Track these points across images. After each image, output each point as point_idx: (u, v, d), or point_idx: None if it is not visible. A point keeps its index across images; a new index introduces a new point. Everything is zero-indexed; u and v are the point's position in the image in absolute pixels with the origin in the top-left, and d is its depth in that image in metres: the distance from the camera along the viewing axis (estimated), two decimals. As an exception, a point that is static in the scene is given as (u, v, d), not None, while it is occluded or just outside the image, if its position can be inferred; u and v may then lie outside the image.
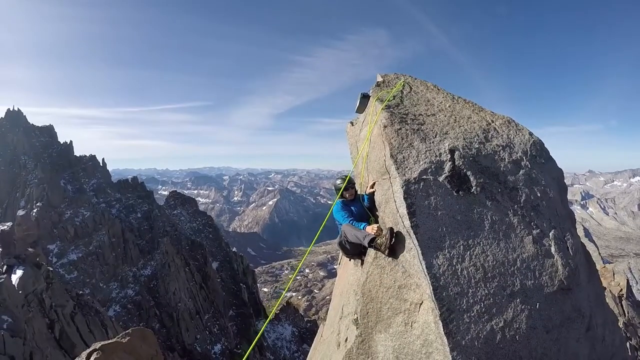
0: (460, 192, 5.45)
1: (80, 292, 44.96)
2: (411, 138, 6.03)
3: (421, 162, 5.65)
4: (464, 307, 4.58)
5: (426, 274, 4.69)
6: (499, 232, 5.25)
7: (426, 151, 5.83)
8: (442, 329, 4.41)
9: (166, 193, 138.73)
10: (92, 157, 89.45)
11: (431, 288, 4.60)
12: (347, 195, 6.60)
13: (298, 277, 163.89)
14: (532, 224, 5.55)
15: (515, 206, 5.62)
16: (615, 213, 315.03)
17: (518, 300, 4.82)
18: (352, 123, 8.59)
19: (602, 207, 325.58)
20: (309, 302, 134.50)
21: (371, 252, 5.65)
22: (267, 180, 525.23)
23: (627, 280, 40.56)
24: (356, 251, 6.18)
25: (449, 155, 5.80)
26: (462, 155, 5.86)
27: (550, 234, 5.58)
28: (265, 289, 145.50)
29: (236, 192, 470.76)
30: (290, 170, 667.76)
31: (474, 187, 5.54)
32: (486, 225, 5.24)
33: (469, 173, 5.68)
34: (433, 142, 6.04)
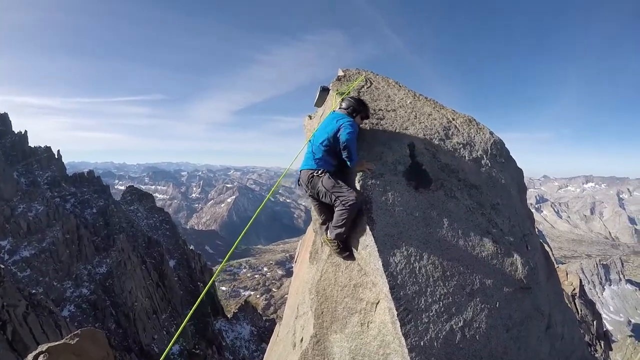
0: (419, 189, 5.29)
1: (33, 291, 43.55)
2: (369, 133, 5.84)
3: (380, 157, 5.48)
4: (422, 306, 4.45)
5: (382, 272, 4.52)
6: (458, 230, 5.12)
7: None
8: (399, 330, 4.28)
9: (123, 188, 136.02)
10: (48, 149, 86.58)
11: (388, 287, 4.44)
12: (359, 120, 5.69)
13: (256, 276, 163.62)
14: (492, 222, 5.47)
15: (475, 204, 5.52)
16: (569, 216, 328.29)
17: (478, 299, 4.73)
18: (310, 117, 8.39)
19: (556, 210, 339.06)
20: (268, 301, 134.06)
21: (326, 249, 5.49)
22: (226, 177, 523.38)
23: (580, 280, 41.95)
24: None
25: (408, 151, 5.65)
26: (422, 151, 5.72)
27: (509, 233, 5.52)
28: (224, 288, 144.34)
29: (194, 189, 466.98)
30: (250, 167, 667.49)
31: (433, 184, 5.40)
32: (445, 223, 5.09)
33: (428, 170, 5.54)
34: (392, 137, 5.87)
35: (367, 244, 4.80)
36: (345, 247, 5.20)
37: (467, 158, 6.04)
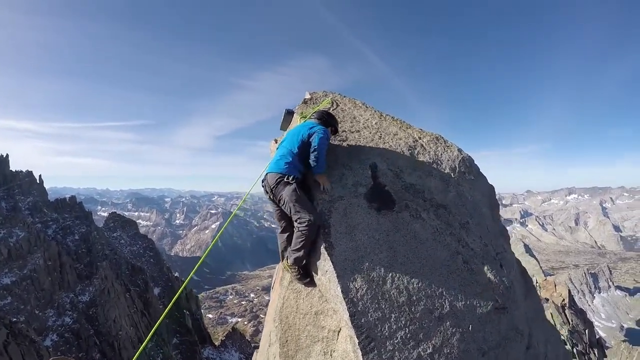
0: (381, 211, 5.09)
1: (14, 319, 42.85)
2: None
3: (340, 180, 5.32)
4: (387, 333, 4.20)
5: (342, 298, 4.31)
6: (425, 252, 4.91)
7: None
8: (361, 359, 4.04)
9: (106, 214, 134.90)
10: (29, 173, 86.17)
11: (348, 314, 4.21)
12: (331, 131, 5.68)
13: (243, 302, 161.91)
14: (462, 242, 5.25)
15: (443, 224, 5.31)
16: (554, 229, 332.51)
17: (448, 323, 4.46)
18: (276, 140, 8.36)
19: (541, 223, 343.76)
20: (255, 327, 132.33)
21: (287, 275, 5.29)
22: (210, 203, 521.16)
23: (569, 290, 42.07)
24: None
25: (370, 172, 5.48)
26: (385, 172, 5.56)
27: (481, 252, 5.32)
28: (210, 315, 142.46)
29: (178, 215, 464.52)
30: (234, 193, 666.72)
31: (396, 206, 5.21)
32: (411, 245, 4.89)
33: (391, 191, 5.35)
34: (354, 159, 5.72)
35: (326, 269, 4.60)
36: (305, 272, 5.00)
37: (433, 177, 5.86)
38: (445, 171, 6.08)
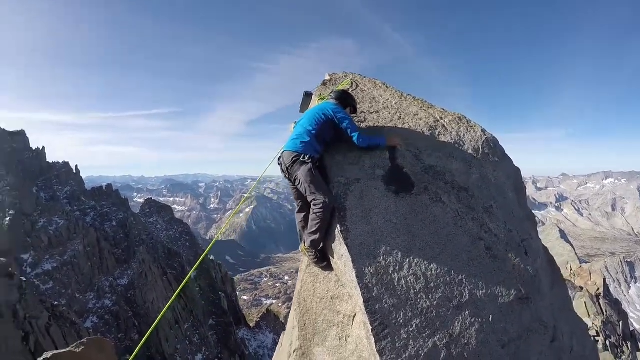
0: (400, 194, 4.92)
1: (56, 303, 44.23)
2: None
3: (356, 162, 5.18)
4: (401, 321, 4.05)
5: (357, 283, 4.19)
6: (445, 237, 4.71)
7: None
8: (374, 346, 3.92)
9: (141, 201, 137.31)
10: (66, 164, 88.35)
11: (362, 299, 4.10)
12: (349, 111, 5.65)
13: (277, 285, 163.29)
14: (485, 227, 5.00)
15: (465, 208, 5.09)
16: (590, 214, 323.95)
17: (467, 312, 4.25)
18: (295, 123, 8.28)
19: (577, 208, 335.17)
20: (289, 309, 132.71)
21: (305, 259, 5.20)
22: (244, 187, 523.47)
23: (604, 279, 41.04)
24: None
25: (388, 155, 5.30)
26: (403, 153, 5.36)
27: (505, 238, 5.04)
28: (245, 297, 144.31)
29: (213, 200, 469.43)
30: (267, 176, 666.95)
31: (415, 188, 5.03)
32: (430, 230, 4.70)
33: (410, 173, 5.17)
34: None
35: (342, 253, 4.49)
36: (322, 256, 4.96)
37: (455, 158, 5.65)
38: (468, 152, 5.82)
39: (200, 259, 6.18)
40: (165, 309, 5.15)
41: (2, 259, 36.58)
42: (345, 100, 5.61)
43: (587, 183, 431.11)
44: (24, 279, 37.70)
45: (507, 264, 4.81)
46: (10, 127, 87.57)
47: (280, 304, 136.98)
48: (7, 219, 61.97)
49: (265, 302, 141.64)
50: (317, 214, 4.62)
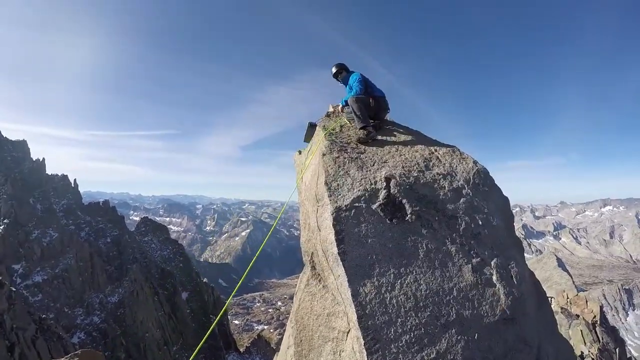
0: (393, 220, 5.30)
1: (44, 315, 43.78)
2: (348, 166, 6.01)
3: (355, 190, 5.56)
4: (392, 336, 4.39)
5: (351, 301, 4.54)
6: (435, 260, 5.09)
7: (361, 179, 5.76)
8: (366, 359, 4.24)
9: (137, 219, 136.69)
10: (64, 177, 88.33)
11: (356, 316, 4.44)
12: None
13: (270, 310, 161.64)
14: (472, 252, 5.38)
15: (454, 234, 5.47)
16: (588, 242, 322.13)
17: (453, 330, 4.60)
18: (299, 152, 8.71)
19: (575, 236, 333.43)
20: (281, 335, 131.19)
21: (303, 279, 5.57)
22: (241, 211, 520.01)
23: (601, 307, 41.00)
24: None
25: (384, 184, 5.70)
26: (399, 183, 5.76)
27: (491, 263, 5.40)
28: (237, 322, 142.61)
29: (209, 222, 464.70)
30: (265, 201, 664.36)
31: (409, 215, 5.40)
32: (420, 254, 5.08)
33: (404, 201, 5.54)
34: (370, 170, 5.99)
35: (338, 274, 4.85)
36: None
37: (447, 188, 6.03)
38: (459, 182, 6.22)
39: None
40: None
41: (-7, 267, 36.53)
42: (342, 69, 8.19)
43: (585, 211, 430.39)
44: (13, 289, 37.54)
45: (493, 287, 5.16)
46: (12, 137, 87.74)
47: (272, 330, 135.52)
48: (1, 227, 61.67)
49: (256, 327, 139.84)
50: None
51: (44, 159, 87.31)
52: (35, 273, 60.57)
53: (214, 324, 6.19)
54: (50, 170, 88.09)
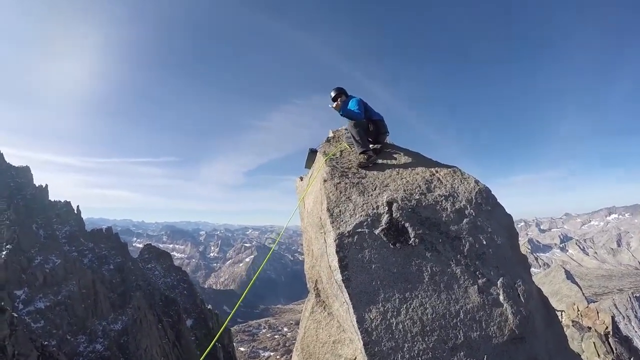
0: (397, 245, 5.27)
1: (46, 342, 43.61)
2: (349, 192, 6.01)
3: (357, 216, 5.55)
4: (399, 363, 4.32)
5: (357, 328, 4.49)
6: (440, 283, 5.04)
7: (363, 204, 5.75)
8: (373, 387, 4.16)
9: (141, 245, 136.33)
10: (67, 204, 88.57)
11: (362, 343, 4.39)
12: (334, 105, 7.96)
13: (276, 336, 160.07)
14: (478, 273, 5.32)
15: (458, 256, 5.42)
16: (595, 252, 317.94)
17: (462, 353, 4.54)
18: (301, 178, 8.76)
19: (582, 247, 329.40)
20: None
21: (308, 306, 5.53)
22: (244, 237, 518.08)
23: (613, 317, 40.46)
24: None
25: (387, 208, 5.69)
26: (401, 207, 5.75)
27: (498, 282, 5.33)
28: (242, 349, 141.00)
29: (213, 248, 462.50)
30: (268, 226, 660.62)
31: (412, 239, 5.37)
32: (425, 277, 5.04)
33: (407, 225, 5.52)
34: (371, 195, 5.99)
35: (343, 301, 4.82)
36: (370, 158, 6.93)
37: (449, 210, 6.01)
38: (462, 203, 6.20)
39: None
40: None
41: (-5, 292, 36.42)
42: (340, 93, 8.03)
43: (590, 221, 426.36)
44: (15, 315, 37.37)
45: (501, 306, 5.09)
46: (15, 163, 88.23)
47: (278, 357, 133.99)
48: (4, 253, 61.68)
49: (262, 354, 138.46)
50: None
51: (47, 185, 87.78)
52: (38, 299, 60.37)
53: (212, 343, 6.16)
54: (53, 196, 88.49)
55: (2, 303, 34.91)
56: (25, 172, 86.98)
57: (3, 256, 60.75)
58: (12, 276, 59.46)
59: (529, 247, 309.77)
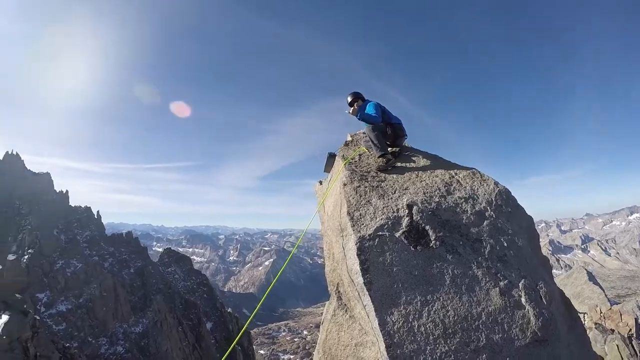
0: (418, 247, 5.29)
1: (67, 344, 44.15)
2: (369, 195, 6.05)
3: (377, 219, 5.58)
4: (421, 365, 4.31)
5: (379, 331, 4.51)
6: (462, 286, 5.02)
7: (383, 207, 5.78)
8: (395, 388, 4.17)
9: (160, 250, 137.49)
10: (87, 209, 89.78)
11: (384, 345, 4.40)
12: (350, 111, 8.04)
13: (296, 339, 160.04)
14: (499, 275, 5.27)
15: (480, 258, 5.39)
16: (617, 253, 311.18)
17: (484, 356, 4.49)
18: (320, 182, 8.82)
19: (604, 248, 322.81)
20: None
21: (330, 309, 5.55)
22: (264, 240, 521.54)
23: (636, 319, 39.81)
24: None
25: (407, 211, 5.71)
26: (421, 209, 5.76)
27: (519, 284, 5.27)
28: (262, 352, 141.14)
29: (232, 252, 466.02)
30: (287, 230, 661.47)
31: (433, 242, 5.38)
32: (447, 280, 5.03)
33: (427, 227, 5.53)
34: (391, 198, 6.02)
35: (365, 303, 4.84)
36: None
37: (469, 212, 6.00)
38: (482, 205, 6.18)
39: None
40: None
41: (17, 295, 36.98)
42: (356, 98, 8.10)
43: (612, 221, 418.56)
44: (37, 317, 37.94)
45: (523, 309, 5.03)
46: (36, 170, 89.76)
47: (298, 359, 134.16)
48: (26, 257, 62.77)
49: (282, 357, 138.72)
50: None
51: (67, 191, 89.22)
52: (60, 302, 61.37)
53: (231, 346, 6.17)
54: (73, 202, 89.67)
55: (25, 306, 35.46)
56: (46, 178, 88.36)
57: (25, 260, 61.82)
58: (34, 280, 60.45)
59: (550, 248, 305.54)
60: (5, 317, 31.86)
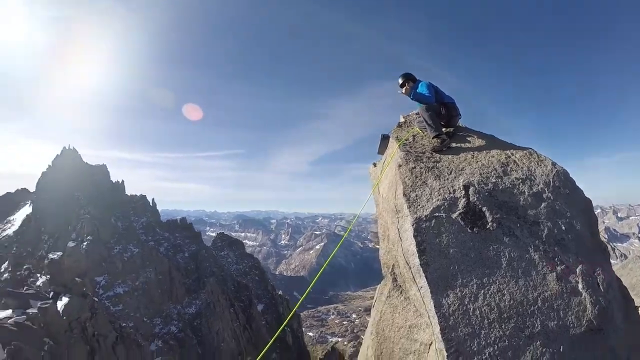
0: (474, 229, 5.18)
1: (124, 324, 45.84)
2: (425, 176, 5.97)
3: (434, 200, 5.51)
4: (475, 349, 4.25)
5: (434, 313, 4.47)
6: (518, 269, 4.89)
7: (439, 188, 5.70)
8: (449, 373, 4.13)
9: (214, 234, 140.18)
10: (142, 197, 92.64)
11: (439, 328, 4.36)
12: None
13: (344, 322, 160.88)
14: (556, 259, 5.09)
15: (537, 241, 5.22)
16: None
17: (538, 342, 4.37)
18: (374, 164, 8.73)
19: None
20: (355, 348, 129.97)
21: (384, 290, 5.54)
22: (314, 225, 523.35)
23: None
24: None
25: (463, 192, 5.61)
26: (478, 190, 5.64)
27: (577, 270, 5.08)
28: (311, 334, 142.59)
29: (283, 236, 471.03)
30: (337, 214, 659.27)
31: (489, 223, 5.26)
32: (503, 263, 4.92)
33: (484, 209, 5.41)
34: (447, 179, 5.92)
35: (421, 285, 4.81)
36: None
37: (527, 193, 5.82)
38: (539, 186, 5.98)
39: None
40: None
41: (77, 279, 38.65)
42: (407, 79, 7.83)
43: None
44: (96, 299, 39.57)
45: (579, 295, 4.86)
46: (93, 162, 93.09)
47: (346, 342, 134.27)
48: (85, 243, 65.39)
49: (330, 339, 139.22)
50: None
51: (123, 181, 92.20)
52: (117, 285, 63.80)
53: (281, 327, 6.30)
54: (129, 191, 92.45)
55: (84, 289, 37.16)
56: (102, 169, 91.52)
57: (84, 246, 64.47)
58: (93, 264, 63.07)
59: (605, 236, 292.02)
60: (65, 299, 33.47)
